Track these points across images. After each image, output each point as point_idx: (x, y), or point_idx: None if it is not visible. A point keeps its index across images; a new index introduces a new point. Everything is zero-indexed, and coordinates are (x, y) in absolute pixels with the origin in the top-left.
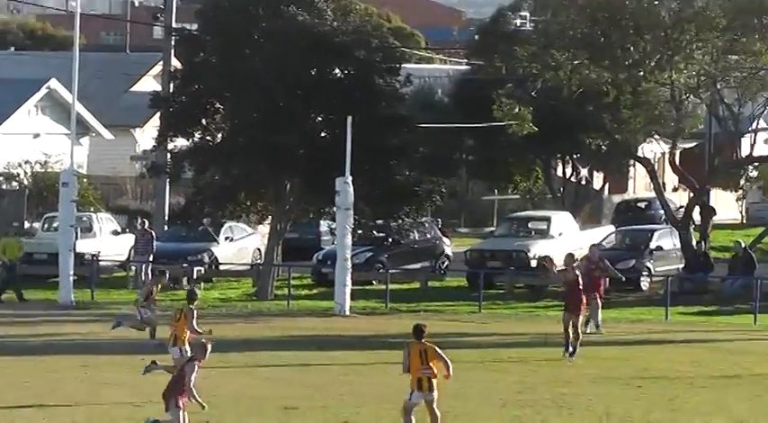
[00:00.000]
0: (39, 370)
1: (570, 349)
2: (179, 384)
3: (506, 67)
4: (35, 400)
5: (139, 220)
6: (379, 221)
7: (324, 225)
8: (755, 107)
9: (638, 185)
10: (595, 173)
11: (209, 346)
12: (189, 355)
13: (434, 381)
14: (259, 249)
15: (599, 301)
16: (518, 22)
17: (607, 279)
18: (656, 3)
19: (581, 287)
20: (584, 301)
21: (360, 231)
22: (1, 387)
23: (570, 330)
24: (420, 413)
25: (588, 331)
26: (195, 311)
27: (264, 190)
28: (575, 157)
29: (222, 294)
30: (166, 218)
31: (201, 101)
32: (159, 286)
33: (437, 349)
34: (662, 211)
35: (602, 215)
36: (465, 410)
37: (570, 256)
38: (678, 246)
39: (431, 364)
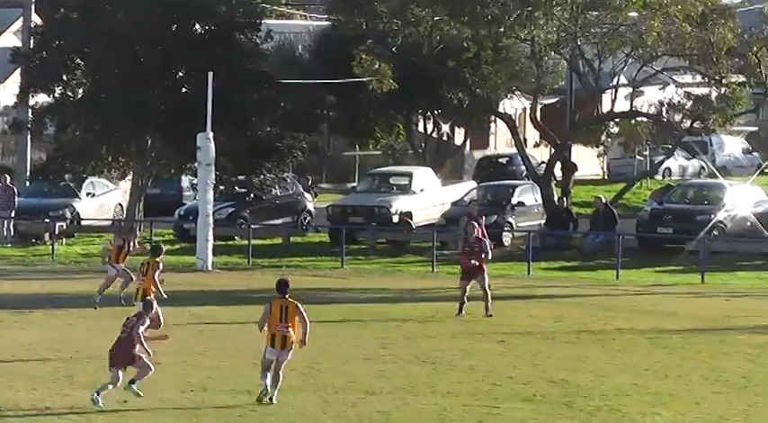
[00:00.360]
0: None
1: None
2: (129, 343)
3: (367, 23)
4: None
5: (1, 176)
6: (241, 177)
7: (185, 181)
8: (616, 63)
9: (500, 141)
10: (457, 129)
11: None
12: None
13: (291, 340)
14: (121, 205)
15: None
16: None
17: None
18: None
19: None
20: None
21: (221, 187)
22: None
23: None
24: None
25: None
26: (161, 265)
27: (126, 146)
28: (436, 112)
29: (84, 250)
30: (28, 174)
31: (62, 57)
32: (132, 245)
33: (299, 307)
34: (523, 167)
35: (464, 171)
36: (328, 366)
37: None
38: (540, 201)
39: (290, 323)
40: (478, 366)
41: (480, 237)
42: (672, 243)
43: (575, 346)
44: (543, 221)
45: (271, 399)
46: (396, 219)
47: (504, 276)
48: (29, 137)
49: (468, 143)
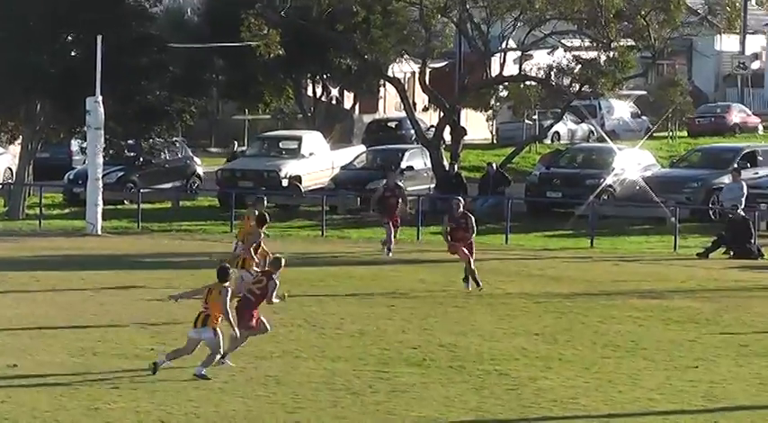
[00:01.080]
0: None
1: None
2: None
3: None
4: None
5: None
6: (130, 141)
7: (75, 144)
8: (505, 27)
9: (389, 105)
10: (346, 93)
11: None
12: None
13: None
14: (10, 169)
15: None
16: None
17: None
18: None
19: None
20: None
21: (111, 151)
22: None
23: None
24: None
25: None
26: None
27: (15, 109)
28: (325, 76)
29: None
30: None
31: None
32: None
33: (222, 295)
34: (413, 131)
35: (353, 135)
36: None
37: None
38: (429, 165)
39: (209, 304)
40: (368, 331)
41: (466, 212)
42: (561, 207)
43: (464, 310)
44: (433, 185)
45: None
46: (285, 183)
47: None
48: None
49: (357, 107)
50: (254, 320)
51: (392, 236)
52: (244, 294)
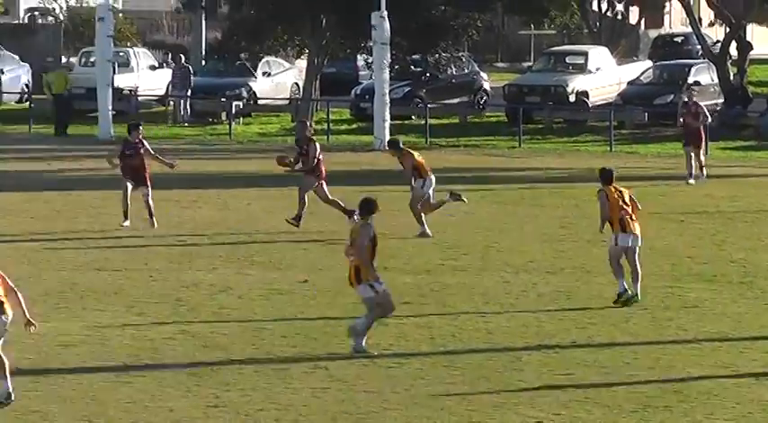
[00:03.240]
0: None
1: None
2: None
3: None
4: (80, 234)
5: (176, 56)
6: (416, 56)
7: (361, 59)
8: None
9: (674, 20)
10: (631, 7)
11: None
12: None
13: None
14: (297, 84)
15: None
16: None
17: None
18: None
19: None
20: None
21: (397, 66)
22: (45, 220)
23: (694, 161)
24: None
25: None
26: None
27: (301, 24)
28: None
29: (261, 129)
30: (203, 53)
31: None
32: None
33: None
34: (698, 46)
35: (639, 50)
36: (507, 246)
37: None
38: (716, 80)
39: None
40: (657, 246)
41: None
42: None
43: (753, 225)
44: (720, 100)
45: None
46: (572, 98)
47: (681, 156)
48: (203, 15)
49: (642, 22)
50: None
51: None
52: None
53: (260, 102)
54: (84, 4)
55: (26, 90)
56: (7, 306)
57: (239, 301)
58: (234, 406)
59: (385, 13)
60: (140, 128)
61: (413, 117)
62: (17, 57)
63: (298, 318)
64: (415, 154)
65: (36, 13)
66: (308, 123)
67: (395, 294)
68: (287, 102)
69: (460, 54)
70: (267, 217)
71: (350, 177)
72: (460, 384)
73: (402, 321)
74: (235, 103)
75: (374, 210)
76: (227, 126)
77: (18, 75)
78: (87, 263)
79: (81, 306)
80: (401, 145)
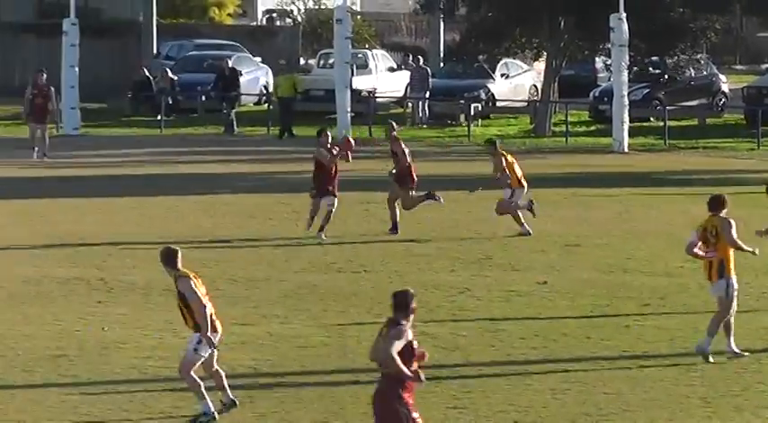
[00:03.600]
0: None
1: None
2: None
3: None
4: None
5: (414, 58)
6: (655, 58)
7: (599, 61)
8: None
9: None
10: None
11: None
12: None
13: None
14: (535, 86)
15: None
16: None
17: None
18: None
19: None
20: None
21: (635, 68)
22: (282, 221)
23: None
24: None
25: None
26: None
27: (539, 26)
28: None
29: (500, 131)
30: (442, 55)
31: None
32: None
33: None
34: None
35: None
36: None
37: None
38: None
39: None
40: None
41: None
42: None
43: None
44: None
45: None
46: None
47: None
48: (441, 17)
49: None
50: None
51: None
52: None
53: (498, 104)
54: (323, 6)
55: (264, 92)
56: (218, 323)
57: (478, 303)
58: (473, 408)
59: (623, 15)
60: (328, 133)
61: (651, 119)
62: (258, 59)
63: (536, 318)
64: (509, 157)
65: (274, 14)
66: (393, 124)
67: (634, 295)
68: (525, 104)
69: (699, 56)
70: (504, 218)
71: (590, 179)
72: (699, 386)
73: (641, 323)
74: (473, 105)
75: None
76: (466, 128)
77: (256, 76)
78: (328, 264)
79: (321, 308)
80: (497, 146)
